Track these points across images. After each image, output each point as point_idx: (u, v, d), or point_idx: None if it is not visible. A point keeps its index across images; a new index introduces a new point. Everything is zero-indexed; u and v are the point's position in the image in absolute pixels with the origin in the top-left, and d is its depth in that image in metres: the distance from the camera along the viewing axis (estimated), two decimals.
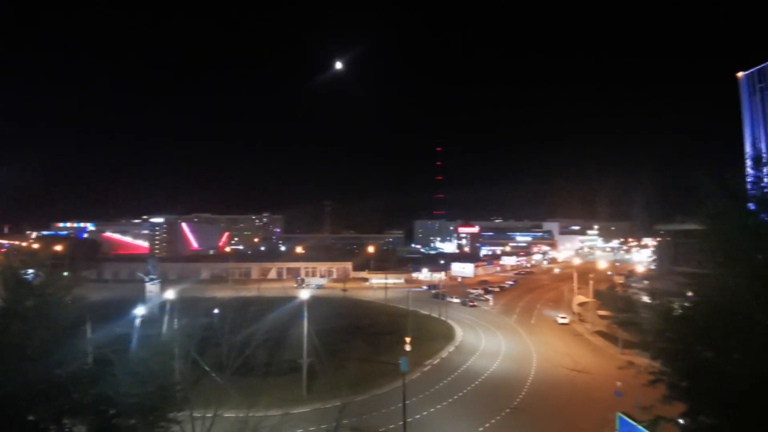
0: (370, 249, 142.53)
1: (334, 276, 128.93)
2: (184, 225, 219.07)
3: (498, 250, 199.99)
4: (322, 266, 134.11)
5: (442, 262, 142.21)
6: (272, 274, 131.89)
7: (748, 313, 10.45)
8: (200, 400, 22.23)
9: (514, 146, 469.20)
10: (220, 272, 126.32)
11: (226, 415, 23.63)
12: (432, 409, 37.27)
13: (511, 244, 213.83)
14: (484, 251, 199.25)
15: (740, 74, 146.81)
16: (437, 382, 44.32)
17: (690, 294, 13.03)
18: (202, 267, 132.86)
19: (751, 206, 11.54)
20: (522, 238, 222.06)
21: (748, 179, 11.78)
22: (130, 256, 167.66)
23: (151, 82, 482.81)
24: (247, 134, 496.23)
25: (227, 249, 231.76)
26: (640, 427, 20.78)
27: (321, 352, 42.35)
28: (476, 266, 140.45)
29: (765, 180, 11.58)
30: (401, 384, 33.65)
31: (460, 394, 41.27)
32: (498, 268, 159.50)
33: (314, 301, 63.29)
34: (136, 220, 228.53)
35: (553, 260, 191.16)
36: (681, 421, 12.38)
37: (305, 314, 41.69)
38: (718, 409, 11.16)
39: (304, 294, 46.07)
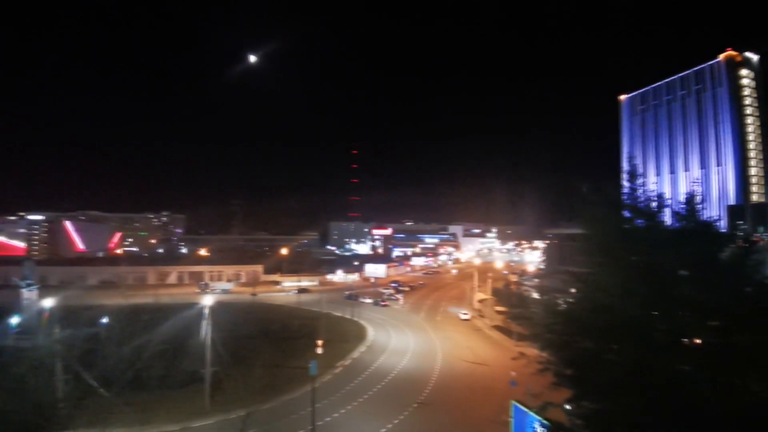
0: (283, 251, 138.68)
1: (243, 280, 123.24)
2: (67, 223, 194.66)
3: (409, 251, 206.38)
4: (229, 269, 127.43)
5: (356, 263, 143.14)
6: (172, 279, 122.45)
7: (622, 307, 11.80)
8: (86, 418, 19.97)
9: (426, 152, 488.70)
10: (110, 277, 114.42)
11: None
12: (343, 411, 37.20)
13: (420, 245, 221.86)
14: (397, 252, 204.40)
15: (623, 97, 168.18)
16: (348, 382, 44.39)
17: (573, 291, 14.36)
18: (90, 271, 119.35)
19: (626, 214, 13.20)
20: (430, 240, 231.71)
21: (624, 190, 13.43)
22: (4, 258, 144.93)
23: (36, 71, 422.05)
24: (146, 127, 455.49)
25: (119, 251, 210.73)
26: (531, 413, 22.68)
27: (226, 360, 40.17)
28: (388, 267, 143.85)
29: (638, 191, 13.15)
30: (311, 388, 33.18)
31: (370, 393, 41.75)
32: (408, 269, 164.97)
33: (219, 307, 59.70)
34: (11, 217, 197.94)
35: (456, 260, 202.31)
36: (567, 406, 13.43)
37: (208, 321, 39.26)
38: (599, 394, 12.29)
39: (208, 300, 43.33)
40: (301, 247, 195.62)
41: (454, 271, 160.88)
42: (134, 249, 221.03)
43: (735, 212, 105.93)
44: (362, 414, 36.91)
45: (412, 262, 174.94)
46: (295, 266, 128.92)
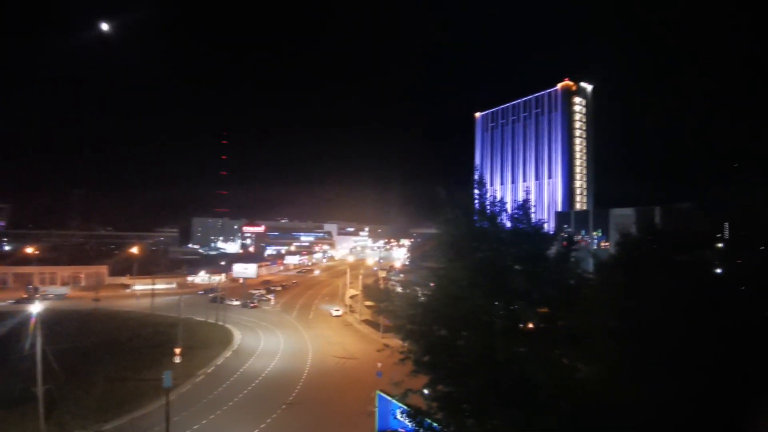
0: (134, 250, 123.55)
1: (83, 283, 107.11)
2: None
3: (283, 249, 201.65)
4: (66, 271, 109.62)
5: (223, 263, 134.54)
6: None
7: (469, 297, 13.41)
8: None
9: (302, 151, 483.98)
10: None
11: None
12: (204, 421, 34.89)
13: (295, 243, 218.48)
14: (270, 251, 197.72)
15: (478, 114, 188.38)
16: (212, 390, 41.77)
17: (432, 284, 15.83)
18: None
19: (474, 216, 15.09)
20: (306, 238, 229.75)
21: (474, 196, 15.37)
22: None
23: None
24: None
25: None
26: (394, 400, 24.16)
27: (62, 376, 34.70)
28: (260, 266, 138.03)
29: (484, 197, 15.24)
30: (166, 400, 30.48)
31: (236, 399, 39.92)
32: (281, 268, 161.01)
33: (53, 315, 51.68)
34: None
35: (331, 258, 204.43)
36: (425, 391, 14.68)
37: (37, 331, 33.42)
38: (452, 378, 13.76)
39: (36, 306, 36.83)
40: (156, 246, 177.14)
41: (316, 272, 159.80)
42: None
43: (562, 218, 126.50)
44: (226, 423, 35.08)
45: (286, 261, 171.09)
46: (149, 267, 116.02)
